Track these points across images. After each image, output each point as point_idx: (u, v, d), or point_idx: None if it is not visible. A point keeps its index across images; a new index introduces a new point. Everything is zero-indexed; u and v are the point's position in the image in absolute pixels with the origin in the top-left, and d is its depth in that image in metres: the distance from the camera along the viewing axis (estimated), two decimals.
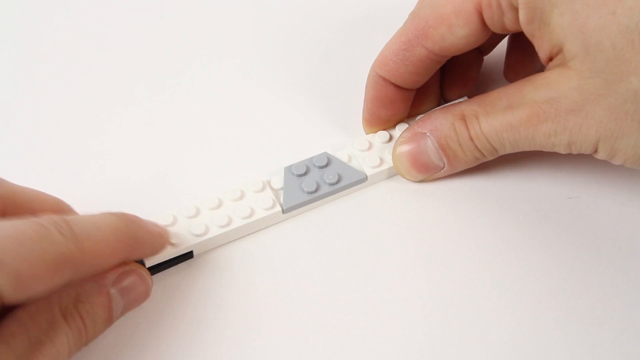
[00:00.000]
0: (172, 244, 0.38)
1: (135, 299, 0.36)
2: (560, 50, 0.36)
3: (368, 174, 0.42)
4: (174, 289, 0.38)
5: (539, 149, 0.38)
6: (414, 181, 0.42)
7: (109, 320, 0.34)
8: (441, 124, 0.40)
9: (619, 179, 0.42)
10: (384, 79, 0.41)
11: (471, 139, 0.39)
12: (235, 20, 0.51)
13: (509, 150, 0.39)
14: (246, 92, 0.47)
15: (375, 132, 0.43)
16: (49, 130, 0.45)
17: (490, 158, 0.40)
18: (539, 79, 0.37)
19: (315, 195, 0.41)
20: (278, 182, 0.41)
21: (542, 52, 0.37)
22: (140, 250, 0.36)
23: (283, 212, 0.40)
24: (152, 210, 0.40)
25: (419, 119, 0.42)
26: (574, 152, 0.37)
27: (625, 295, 0.38)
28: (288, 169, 0.41)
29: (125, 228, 0.33)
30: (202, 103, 0.47)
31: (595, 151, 0.36)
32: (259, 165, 0.43)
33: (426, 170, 0.41)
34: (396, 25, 0.41)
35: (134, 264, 0.36)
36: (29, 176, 0.40)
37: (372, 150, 0.42)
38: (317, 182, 0.41)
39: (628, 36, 0.33)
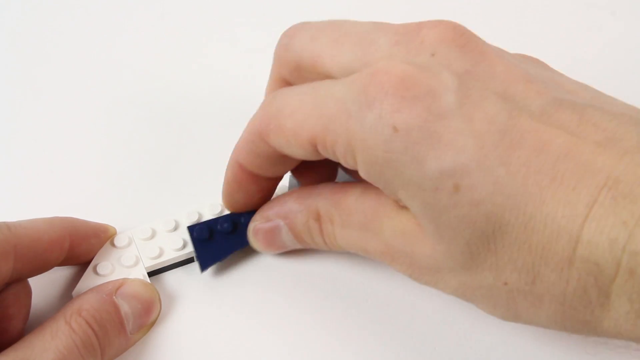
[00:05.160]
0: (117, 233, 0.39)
1: (143, 308, 0.36)
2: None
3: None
4: (173, 293, 0.38)
5: None
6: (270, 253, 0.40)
7: (121, 327, 0.35)
8: (295, 216, 0.37)
9: None
10: (241, 165, 0.36)
11: (325, 242, 0.36)
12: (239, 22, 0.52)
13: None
14: None
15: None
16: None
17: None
18: (393, 211, 0.33)
19: None
20: (283, 189, 0.40)
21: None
22: (82, 235, 0.37)
23: None
24: (154, 213, 0.40)
25: (273, 202, 0.38)
26: None
27: None
28: (293, 177, 0.41)
29: (57, 218, 0.36)
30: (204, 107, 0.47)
31: None
32: None
33: (281, 248, 0.38)
34: None
35: (134, 278, 0.37)
36: None
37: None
38: None
39: (484, 240, 0.29)
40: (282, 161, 0.35)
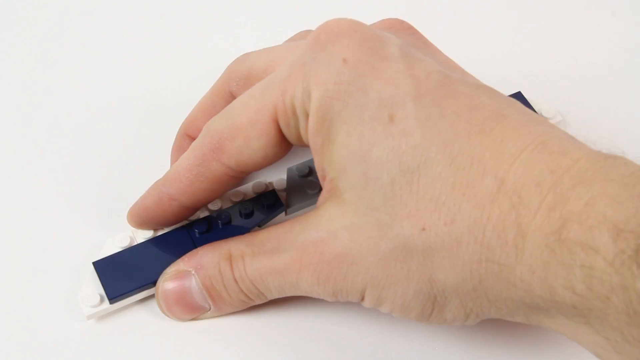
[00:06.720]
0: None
1: None
2: (338, 176, 0.33)
3: None
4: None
5: (307, 296, 0.35)
6: (180, 321, 0.37)
7: None
8: (207, 262, 0.36)
9: None
10: (171, 197, 0.37)
11: (235, 281, 0.35)
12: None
13: (276, 295, 0.35)
14: None
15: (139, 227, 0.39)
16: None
17: (259, 301, 0.36)
18: (311, 217, 0.34)
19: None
20: (281, 183, 0.41)
21: (321, 171, 0.34)
22: None
23: (286, 213, 0.40)
24: None
25: (185, 255, 0.37)
26: (341, 300, 0.34)
27: None
28: (291, 170, 0.41)
29: None
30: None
31: (363, 299, 0.33)
32: None
33: (191, 311, 0.37)
34: None
35: None
36: None
37: None
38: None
39: (408, 176, 0.30)
40: (226, 182, 0.36)
